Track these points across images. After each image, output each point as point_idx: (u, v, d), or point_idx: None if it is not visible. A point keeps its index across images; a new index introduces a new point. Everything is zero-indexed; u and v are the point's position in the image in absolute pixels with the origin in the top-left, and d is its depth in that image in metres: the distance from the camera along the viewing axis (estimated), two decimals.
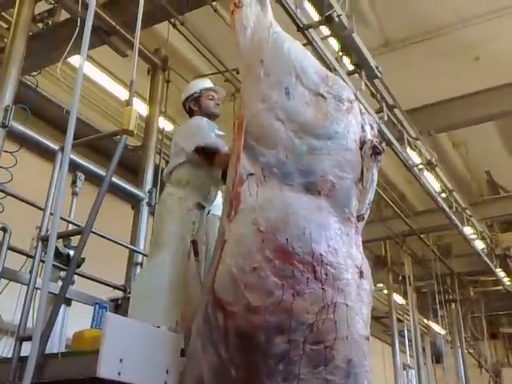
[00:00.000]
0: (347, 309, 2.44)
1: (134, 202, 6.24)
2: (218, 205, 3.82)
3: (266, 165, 2.70)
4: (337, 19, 5.33)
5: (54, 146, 4.94)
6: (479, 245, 11.09)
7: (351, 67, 6.08)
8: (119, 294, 5.21)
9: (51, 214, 3.32)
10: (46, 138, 5.17)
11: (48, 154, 4.98)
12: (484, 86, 8.59)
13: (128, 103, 3.14)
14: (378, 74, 6.25)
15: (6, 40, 5.96)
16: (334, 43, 5.88)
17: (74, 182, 5.16)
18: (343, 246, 2.60)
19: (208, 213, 3.63)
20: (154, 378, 2.70)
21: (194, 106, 3.78)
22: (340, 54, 5.90)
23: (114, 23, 5.89)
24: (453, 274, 13.72)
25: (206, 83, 3.90)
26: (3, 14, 6.53)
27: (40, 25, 6.03)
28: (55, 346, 4.48)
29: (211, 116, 3.74)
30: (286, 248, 2.43)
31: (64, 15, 6.04)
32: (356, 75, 6.11)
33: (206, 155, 3.46)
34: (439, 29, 8.93)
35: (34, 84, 5.81)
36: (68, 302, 4.76)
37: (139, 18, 3.42)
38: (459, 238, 10.87)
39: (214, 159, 3.44)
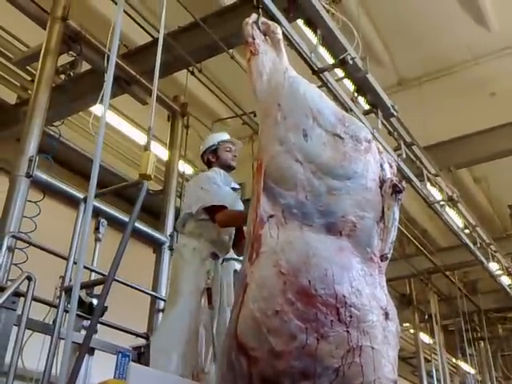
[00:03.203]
0: (373, 352, 2.39)
1: (156, 245, 6.27)
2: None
3: (285, 206, 2.70)
4: (351, 62, 5.40)
5: (77, 194, 5.04)
6: (506, 280, 10.87)
7: (367, 107, 6.13)
8: (142, 341, 5.19)
9: (74, 263, 3.36)
10: (69, 186, 5.27)
11: (71, 202, 5.07)
12: (502, 121, 8.58)
13: (146, 148, 3.21)
14: (394, 113, 6.29)
15: (29, 92, 6.16)
16: (348, 84, 5.95)
17: (96, 228, 5.23)
18: (367, 287, 2.57)
19: (223, 261, 3.66)
20: None
21: (212, 157, 3.88)
22: (355, 94, 5.97)
23: (134, 73, 6.06)
24: (480, 311, 13.40)
25: (224, 136, 4.01)
26: (28, 67, 6.77)
27: (62, 76, 6.22)
28: None
29: (228, 168, 3.84)
30: (309, 290, 2.41)
31: (85, 66, 6.23)
32: (372, 114, 6.16)
33: (210, 213, 3.52)
34: (453, 66, 9.02)
35: (57, 133, 5.96)
36: (91, 351, 4.76)
37: (157, 68, 3.52)
38: (485, 274, 10.68)
39: (216, 217, 3.49)
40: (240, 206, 3.77)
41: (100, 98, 3.23)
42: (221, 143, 3.89)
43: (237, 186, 3.81)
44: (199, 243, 3.53)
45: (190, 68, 6.46)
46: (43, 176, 4.96)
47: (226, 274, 3.64)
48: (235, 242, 3.76)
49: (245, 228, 3.54)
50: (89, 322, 4.32)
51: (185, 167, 7.39)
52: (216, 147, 3.88)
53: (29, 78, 6.92)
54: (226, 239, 3.66)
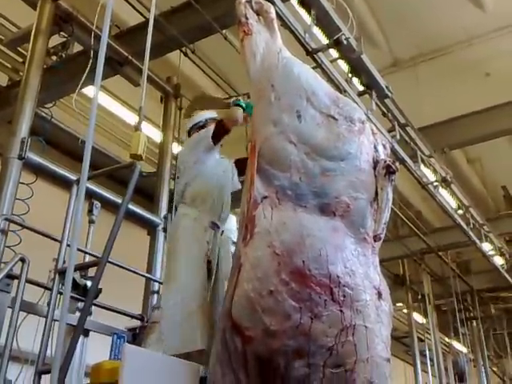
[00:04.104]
0: (367, 331, 2.42)
1: (150, 227, 6.27)
2: (231, 229, 3.85)
3: (279, 187, 2.71)
4: (345, 42, 5.37)
5: (70, 176, 5.01)
6: (498, 260, 10.96)
7: (361, 88, 6.11)
8: (137, 323, 5.21)
9: (68, 245, 3.36)
10: (62, 168, 5.24)
11: (64, 184, 5.05)
12: (496, 102, 8.57)
13: (137, 128, 3.19)
14: (389, 94, 6.28)
15: (21, 74, 6.10)
16: (343, 65, 5.92)
17: (90, 211, 5.21)
18: (360, 267, 2.59)
19: (222, 233, 3.66)
20: None
21: None
22: (350, 75, 5.94)
23: (126, 54, 6.00)
24: (473, 291, 13.53)
25: (212, 114, 4.01)
26: (19, 48, 6.69)
27: (54, 58, 6.15)
28: (74, 377, 4.48)
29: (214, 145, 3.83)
30: (303, 270, 2.43)
31: (77, 48, 6.17)
32: (366, 95, 6.14)
33: (218, 134, 3.60)
34: (448, 47, 8.98)
35: (49, 115, 5.91)
36: (86, 333, 4.77)
37: (147, 48, 3.48)
38: (478, 254, 10.77)
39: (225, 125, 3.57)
40: (229, 173, 3.79)
41: (89, 78, 3.20)
42: (209, 120, 3.90)
43: (223, 157, 3.84)
44: (200, 212, 3.53)
45: (183, 49, 6.40)
46: (35, 158, 4.93)
47: (223, 245, 3.65)
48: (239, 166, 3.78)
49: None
50: (83, 303, 4.32)
51: (178, 149, 7.36)
52: (204, 124, 3.89)
53: (20, 60, 6.84)
54: (225, 207, 3.67)
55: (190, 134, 3.98)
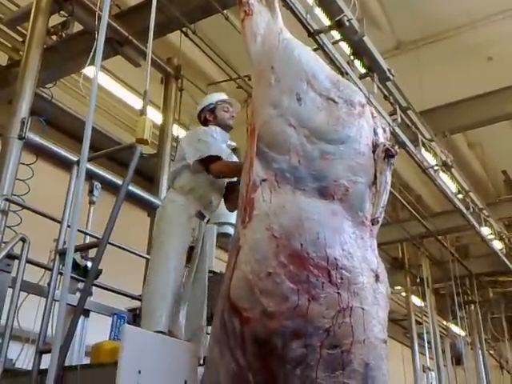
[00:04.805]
0: (363, 312, 2.44)
1: (150, 209, 6.29)
2: (222, 214, 3.86)
3: (278, 170, 2.71)
4: (347, 23, 5.33)
5: (70, 156, 5.02)
6: (497, 245, 10.99)
7: (363, 70, 6.08)
8: (137, 303, 5.25)
9: (68, 226, 3.37)
10: (62, 149, 5.25)
11: (65, 164, 5.05)
12: (498, 86, 8.53)
13: (142, 113, 3.19)
14: (391, 77, 6.25)
15: (21, 53, 6.07)
16: (345, 47, 5.89)
17: (90, 191, 5.23)
18: (358, 250, 2.60)
19: (207, 221, 3.68)
20: None
21: (209, 116, 3.83)
22: (351, 57, 5.90)
23: (126, 34, 5.96)
24: (471, 275, 13.59)
25: (222, 96, 3.97)
26: (18, 27, 6.65)
27: (54, 37, 6.12)
28: (75, 356, 4.54)
29: (225, 127, 3.80)
30: (301, 253, 2.44)
31: (77, 27, 6.13)
32: (368, 78, 6.11)
33: (207, 164, 3.51)
34: (451, 30, 8.91)
35: (50, 96, 5.90)
36: (86, 313, 4.82)
37: (151, 29, 3.47)
38: (477, 238, 10.80)
39: (210, 166, 3.49)
40: None
41: (90, 58, 3.19)
42: (219, 102, 3.86)
43: (233, 144, 3.79)
44: (187, 200, 3.52)
45: (184, 29, 6.35)
46: (36, 138, 4.93)
47: (209, 235, 3.67)
48: (227, 196, 3.75)
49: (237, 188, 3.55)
50: (84, 284, 4.36)
51: (179, 131, 7.35)
52: (214, 106, 3.84)
53: (20, 39, 6.80)
54: (214, 199, 3.67)
55: (199, 116, 3.94)
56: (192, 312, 3.44)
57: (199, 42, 6.75)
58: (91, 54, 3.22)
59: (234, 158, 3.78)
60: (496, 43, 8.80)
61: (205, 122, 3.85)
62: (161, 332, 3.04)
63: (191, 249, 3.52)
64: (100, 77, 3.42)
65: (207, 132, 3.66)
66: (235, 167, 3.45)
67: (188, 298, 3.49)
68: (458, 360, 13.51)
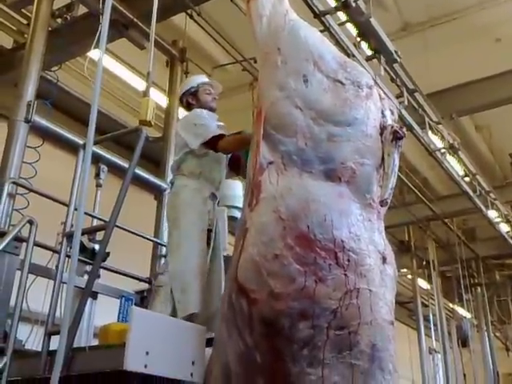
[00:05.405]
0: (370, 294, 2.45)
1: (157, 192, 6.30)
2: (228, 197, 3.87)
3: (285, 153, 2.70)
4: (354, 4, 5.28)
5: (77, 139, 5.02)
6: (504, 228, 10.98)
7: (370, 52, 6.02)
8: (144, 286, 5.28)
9: (75, 209, 3.39)
10: (69, 132, 5.24)
11: (71, 148, 5.05)
12: (506, 68, 8.44)
13: (145, 94, 3.17)
14: (398, 59, 6.18)
15: (26, 36, 6.04)
16: (351, 29, 5.83)
17: (97, 175, 5.24)
18: (365, 232, 2.61)
19: (218, 203, 3.70)
20: (180, 370, 2.74)
21: (191, 100, 3.85)
22: (358, 39, 5.85)
23: (131, 16, 5.92)
24: (478, 258, 13.58)
25: (203, 78, 3.97)
26: (23, 10, 6.61)
27: (59, 20, 6.09)
28: (83, 338, 4.58)
29: (209, 110, 3.80)
30: (308, 235, 2.45)
31: (82, 10, 6.09)
32: (375, 60, 6.05)
33: (210, 145, 3.52)
34: (459, 11, 8.79)
35: (55, 79, 5.88)
36: (94, 296, 4.85)
37: (154, 10, 3.44)
38: (484, 221, 10.77)
39: (217, 146, 3.49)
40: None
41: (95, 41, 3.17)
42: (200, 85, 3.86)
43: (222, 124, 3.79)
44: (200, 184, 3.55)
45: (189, 11, 6.30)
46: (42, 121, 4.92)
47: (220, 217, 3.69)
48: (232, 164, 3.77)
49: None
50: (91, 267, 4.38)
51: (184, 114, 7.32)
52: (195, 89, 3.84)
53: (25, 22, 6.77)
54: (221, 179, 3.71)
55: (181, 100, 3.93)
56: (210, 294, 3.47)
57: (204, 25, 6.69)
58: (96, 36, 3.20)
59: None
60: (504, 24, 8.69)
61: (188, 106, 3.86)
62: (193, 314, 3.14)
63: (209, 231, 3.54)
64: (105, 59, 3.41)
65: (199, 115, 3.67)
66: (242, 140, 3.45)
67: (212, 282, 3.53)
68: (463, 342, 13.56)
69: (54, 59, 5.95)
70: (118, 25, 5.85)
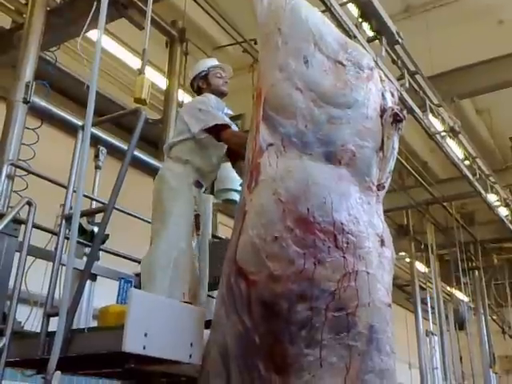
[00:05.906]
0: (369, 276, 2.45)
1: (155, 174, 6.27)
2: (227, 180, 3.86)
3: (285, 135, 2.69)
4: None
5: (76, 121, 5.00)
6: (503, 212, 10.98)
7: (371, 34, 5.96)
8: None
9: (74, 191, 3.38)
10: (67, 113, 5.21)
11: (70, 129, 5.03)
12: (508, 50, 8.37)
13: (140, 72, 3.14)
14: (399, 40, 6.13)
15: (24, 16, 5.98)
16: (353, 9, 5.77)
17: (96, 156, 5.23)
18: (364, 215, 2.60)
19: (204, 191, 3.67)
20: (179, 352, 2.75)
21: (202, 84, 3.78)
22: (359, 20, 5.79)
23: None
24: (476, 241, 13.61)
25: (213, 61, 3.91)
26: None
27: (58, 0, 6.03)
28: (82, 320, 4.60)
29: (220, 95, 3.74)
30: (307, 218, 2.44)
31: None
32: (376, 42, 6.00)
33: (214, 133, 3.47)
34: None
35: (54, 59, 5.83)
36: (93, 278, 4.87)
37: None
38: (483, 205, 10.77)
39: (221, 135, 3.45)
40: None
41: (89, 19, 3.14)
42: (211, 69, 3.79)
43: (230, 112, 3.75)
44: (185, 169, 3.49)
45: None
46: (41, 102, 4.90)
47: (207, 205, 3.67)
48: (232, 158, 3.73)
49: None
50: (90, 249, 4.39)
51: (184, 96, 7.29)
52: (206, 73, 3.78)
53: (23, 1, 6.70)
54: (212, 170, 3.66)
55: (192, 85, 3.86)
56: (199, 284, 3.48)
57: (204, 5, 6.63)
58: (95, 16, 3.17)
59: (234, 127, 3.75)
60: (507, 6, 8.61)
61: (199, 91, 3.80)
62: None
63: (197, 216, 3.50)
64: (105, 41, 3.38)
65: (205, 101, 3.60)
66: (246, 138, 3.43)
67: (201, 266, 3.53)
68: (460, 325, 13.67)
69: (52, 39, 5.90)
70: (118, 4, 5.79)
